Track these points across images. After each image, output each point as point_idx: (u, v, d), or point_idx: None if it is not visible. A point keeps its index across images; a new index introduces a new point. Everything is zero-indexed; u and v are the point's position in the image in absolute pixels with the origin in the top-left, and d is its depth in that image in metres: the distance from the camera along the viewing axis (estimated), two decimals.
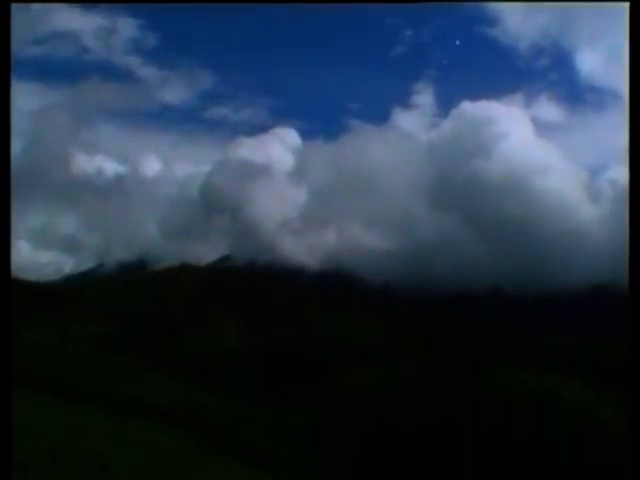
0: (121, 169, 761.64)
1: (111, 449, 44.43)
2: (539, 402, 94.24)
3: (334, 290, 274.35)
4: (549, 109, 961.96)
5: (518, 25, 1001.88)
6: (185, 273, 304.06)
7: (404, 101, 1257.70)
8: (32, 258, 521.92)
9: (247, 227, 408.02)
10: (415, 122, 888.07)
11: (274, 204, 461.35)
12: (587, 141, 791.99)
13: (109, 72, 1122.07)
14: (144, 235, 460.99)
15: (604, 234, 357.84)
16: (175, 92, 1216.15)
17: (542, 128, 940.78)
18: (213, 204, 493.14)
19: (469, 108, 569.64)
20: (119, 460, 39.61)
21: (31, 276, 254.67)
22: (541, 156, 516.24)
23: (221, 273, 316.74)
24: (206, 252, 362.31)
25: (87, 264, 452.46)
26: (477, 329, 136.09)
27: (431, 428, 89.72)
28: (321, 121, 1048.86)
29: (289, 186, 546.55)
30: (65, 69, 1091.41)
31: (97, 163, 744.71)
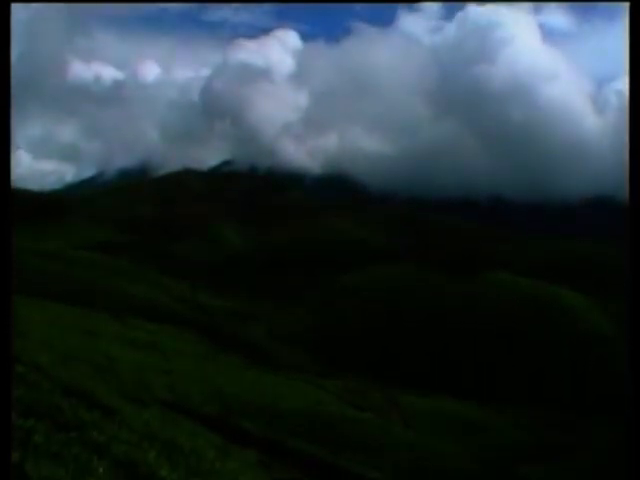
0: (119, 75, 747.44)
1: (118, 350, 46.33)
2: (535, 305, 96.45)
3: (334, 194, 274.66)
4: (558, 16, 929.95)
5: None
6: (186, 178, 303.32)
7: (409, 3, 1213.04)
8: (33, 168, 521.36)
9: (248, 131, 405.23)
10: (419, 25, 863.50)
11: (275, 108, 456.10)
12: (595, 50, 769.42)
13: None
14: (145, 141, 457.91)
15: (608, 145, 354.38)
16: None
17: (549, 35, 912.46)
18: (213, 108, 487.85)
19: (475, 12, 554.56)
20: (126, 360, 41.35)
21: (33, 186, 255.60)
22: (547, 64, 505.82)
23: (222, 177, 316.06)
24: (207, 157, 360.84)
25: (88, 172, 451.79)
26: (476, 235, 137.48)
27: (428, 326, 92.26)
28: (323, 23, 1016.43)
29: (290, 89, 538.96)
30: None
31: (94, 70, 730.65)
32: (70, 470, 5.15)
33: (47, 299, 72.75)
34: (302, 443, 29.23)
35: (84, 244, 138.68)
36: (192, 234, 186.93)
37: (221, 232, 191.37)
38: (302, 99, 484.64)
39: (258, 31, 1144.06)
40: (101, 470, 5.63)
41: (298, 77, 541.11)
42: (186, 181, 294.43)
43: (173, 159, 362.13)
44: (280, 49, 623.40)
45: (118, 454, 6.89)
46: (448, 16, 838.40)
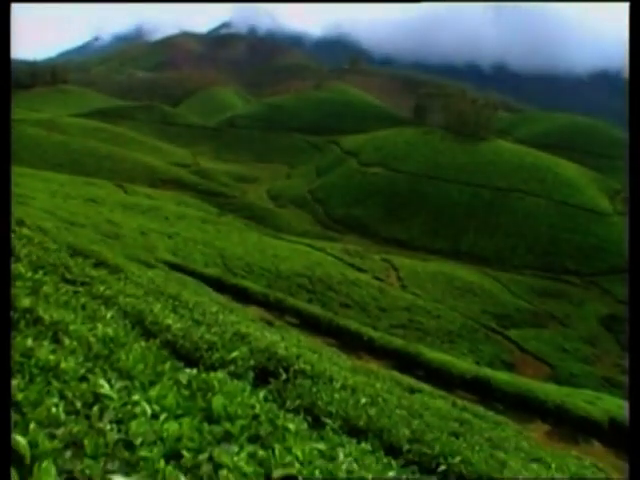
0: None
1: (121, 216, 47.03)
2: (533, 172, 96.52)
3: (335, 57, 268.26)
4: None
5: None
6: (184, 41, 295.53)
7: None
8: (26, 36, 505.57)
9: None
10: None
11: None
12: None
13: None
14: (139, 4, 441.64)
15: (619, 18, 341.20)
16: None
17: None
18: None
19: None
20: (129, 225, 42.08)
21: (27, 55, 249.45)
22: None
23: (221, 40, 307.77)
24: (205, 19, 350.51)
25: (83, 38, 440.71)
26: (477, 101, 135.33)
27: (427, 189, 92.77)
28: None
29: None
30: None
31: None
32: (79, 316, 5.52)
33: (47, 169, 73.00)
34: (302, 303, 30.31)
35: (82, 112, 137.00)
36: (191, 98, 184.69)
37: (221, 95, 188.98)
38: None
39: None
40: (109, 316, 6.03)
41: None
42: (184, 44, 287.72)
43: (170, 22, 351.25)
44: None
45: (125, 305, 7.33)
46: None
